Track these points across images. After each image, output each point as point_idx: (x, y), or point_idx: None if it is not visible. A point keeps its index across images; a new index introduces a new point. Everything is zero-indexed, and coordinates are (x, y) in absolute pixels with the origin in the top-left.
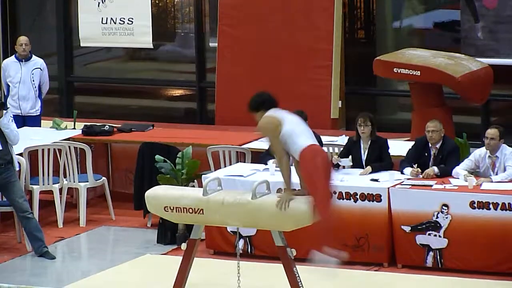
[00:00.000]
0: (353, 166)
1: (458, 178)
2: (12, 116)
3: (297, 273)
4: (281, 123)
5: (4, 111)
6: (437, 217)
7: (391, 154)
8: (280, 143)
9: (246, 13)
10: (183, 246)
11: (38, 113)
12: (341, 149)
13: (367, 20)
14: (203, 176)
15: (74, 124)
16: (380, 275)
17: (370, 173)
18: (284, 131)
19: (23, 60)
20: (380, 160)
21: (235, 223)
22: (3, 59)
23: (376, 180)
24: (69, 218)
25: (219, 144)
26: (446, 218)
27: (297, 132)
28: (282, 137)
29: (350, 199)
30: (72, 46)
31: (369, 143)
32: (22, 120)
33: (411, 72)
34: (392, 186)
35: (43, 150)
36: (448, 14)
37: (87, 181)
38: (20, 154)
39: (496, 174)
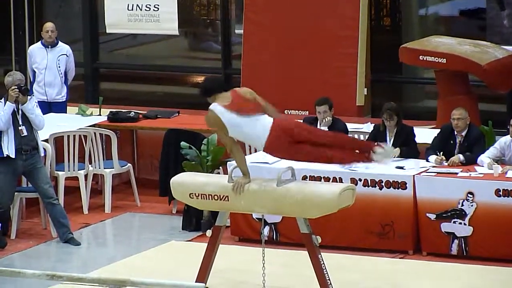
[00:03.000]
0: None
1: (483, 166)
2: (37, 102)
3: (322, 260)
4: (219, 121)
5: (29, 97)
6: (462, 205)
7: (417, 142)
8: (225, 135)
9: (272, 0)
10: (208, 233)
11: (64, 100)
12: (367, 136)
13: (393, 7)
14: (228, 163)
15: (100, 110)
16: (405, 262)
17: (398, 157)
18: (229, 130)
19: (49, 46)
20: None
21: (260, 210)
22: (29, 45)
23: (402, 168)
24: (94, 204)
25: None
26: (471, 206)
27: (243, 131)
28: (231, 134)
29: (375, 187)
30: (98, 32)
31: (395, 131)
32: (48, 106)
33: (437, 59)
34: (417, 174)
35: (68, 136)
36: (473, 2)
37: (113, 168)
38: (46, 140)
39: None
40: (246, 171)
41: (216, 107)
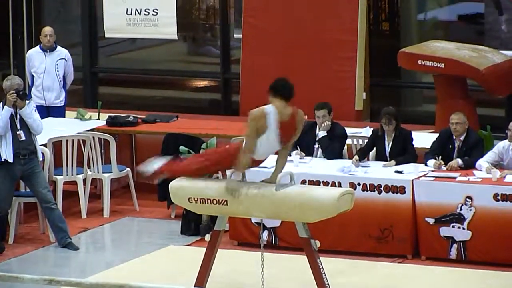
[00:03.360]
0: (377, 159)
1: (481, 171)
2: (35, 106)
3: (321, 264)
4: (264, 124)
5: (27, 101)
6: (461, 209)
7: (415, 146)
8: (254, 136)
9: (270, 5)
10: (207, 237)
11: (63, 104)
12: (365, 141)
13: (392, 12)
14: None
15: (99, 114)
16: (403, 267)
17: (394, 165)
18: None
19: (48, 50)
20: (404, 153)
21: (259, 215)
22: (28, 49)
23: (400, 172)
24: (92, 209)
25: (243, 135)
26: (470, 210)
27: (262, 147)
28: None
29: (374, 191)
30: (96, 37)
31: (393, 135)
32: (47, 111)
33: (435, 64)
34: (416, 178)
35: (67, 140)
36: (472, 7)
37: (111, 172)
38: (44, 145)
39: None
40: (244, 175)
41: (272, 111)
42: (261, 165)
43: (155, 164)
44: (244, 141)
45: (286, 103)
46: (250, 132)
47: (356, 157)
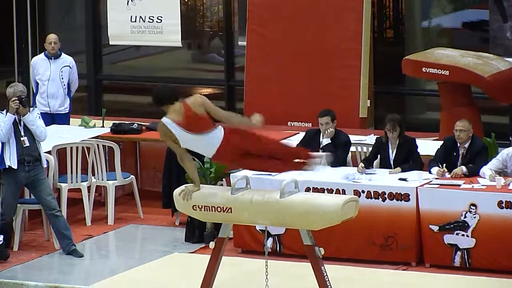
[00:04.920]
0: (381, 166)
1: (485, 178)
2: (39, 113)
3: (325, 272)
4: (171, 135)
5: (31, 108)
6: (465, 217)
7: (420, 154)
8: (176, 146)
9: (275, 12)
10: (211, 244)
11: (67, 111)
12: (370, 148)
13: (396, 19)
14: (231, 175)
15: (103, 122)
16: (408, 274)
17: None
18: (181, 142)
19: (52, 57)
20: (408, 160)
21: (263, 222)
22: (32, 57)
23: (405, 180)
24: (97, 216)
25: None
26: (474, 217)
27: (194, 146)
28: (183, 146)
29: (378, 198)
30: (101, 44)
31: (397, 143)
32: (51, 118)
33: (439, 71)
34: (420, 186)
35: (71, 148)
36: (476, 14)
37: (116, 179)
38: (49, 152)
39: None
40: (196, 179)
41: (168, 122)
42: (266, 172)
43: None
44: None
45: (174, 104)
46: (172, 147)
47: (361, 164)
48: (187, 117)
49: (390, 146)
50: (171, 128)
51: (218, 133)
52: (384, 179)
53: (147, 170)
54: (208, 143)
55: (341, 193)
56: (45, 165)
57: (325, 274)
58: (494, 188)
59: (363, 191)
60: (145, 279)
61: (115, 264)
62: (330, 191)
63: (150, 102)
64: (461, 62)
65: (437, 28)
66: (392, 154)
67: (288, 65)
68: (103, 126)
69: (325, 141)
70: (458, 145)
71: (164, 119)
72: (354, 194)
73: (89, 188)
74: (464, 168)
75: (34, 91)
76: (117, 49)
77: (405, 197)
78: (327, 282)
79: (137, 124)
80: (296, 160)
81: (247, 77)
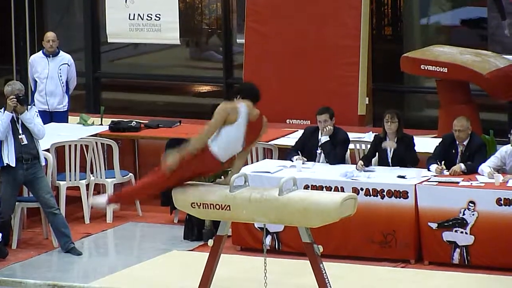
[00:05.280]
0: (379, 164)
1: (483, 175)
2: (37, 111)
3: (324, 269)
4: (236, 116)
5: (29, 107)
6: (463, 214)
7: (418, 151)
8: (217, 128)
9: (273, 10)
10: (210, 242)
11: (66, 109)
12: (368, 146)
13: (395, 17)
14: (229, 172)
15: (101, 120)
16: (406, 271)
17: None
18: (228, 126)
19: (51, 55)
20: (406, 158)
21: (262, 220)
22: (31, 55)
23: (403, 177)
24: (95, 214)
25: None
26: (473, 215)
27: (227, 141)
28: (223, 128)
29: (377, 196)
30: (99, 42)
31: (395, 140)
32: (50, 116)
33: (438, 69)
34: (419, 183)
35: (70, 146)
36: (475, 11)
37: (114, 177)
38: (47, 150)
39: None
40: (247, 180)
41: (245, 108)
42: (265, 170)
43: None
44: (205, 128)
45: (253, 105)
46: (214, 120)
47: (361, 162)
48: (255, 126)
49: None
50: (241, 113)
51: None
52: (383, 176)
53: (145, 168)
54: (232, 149)
55: (339, 190)
56: (43, 163)
57: (323, 272)
58: (493, 186)
59: (361, 189)
60: (143, 277)
61: (114, 262)
62: (329, 188)
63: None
64: (459, 60)
65: (435, 26)
66: (390, 152)
67: (286, 63)
68: (101, 124)
69: (323, 138)
70: (457, 142)
71: (242, 105)
72: (352, 192)
73: (87, 186)
74: (462, 166)
75: (33, 89)
76: (116, 47)
77: (404, 194)
78: (326, 279)
79: (136, 122)
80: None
81: (245, 75)
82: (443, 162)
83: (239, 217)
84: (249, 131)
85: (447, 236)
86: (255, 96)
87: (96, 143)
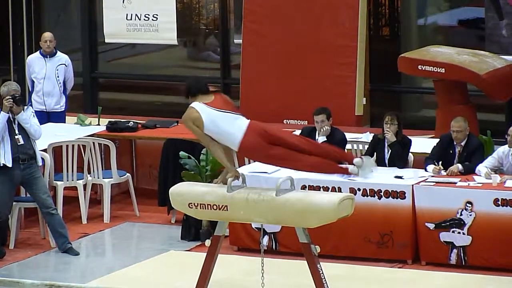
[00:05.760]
0: (377, 164)
1: (480, 176)
2: (34, 111)
3: (321, 269)
4: (198, 116)
5: (25, 107)
6: (461, 215)
7: (415, 152)
8: (204, 135)
9: (271, 10)
10: (207, 242)
11: (63, 109)
12: (366, 146)
13: (392, 17)
14: (223, 172)
15: (99, 120)
16: (404, 272)
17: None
18: (206, 126)
19: (48, 56)
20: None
21: (259, 220)
22: (28, 55)
23: (400, 177)
24: (93, 214)
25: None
26: (470, 215)
27: (219, 125)
28: (207, 131)
29: (374, 196)
30: (96, 42)
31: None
32: (47, 116)
33: (435, 69)
34: (416, 183)
35: (67, 146)
36: (472, 12)
37: (111, 177)
38: (45, 150)
39: None
40: (227, 165)
41: (196, 104)
42: (262, 170)
43: None
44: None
45: (207, 94)
46: (197, 135)
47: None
48: (217, 98)
49: (386, 145)
50: (198, 109)
51: (243, 121)
52: (380, 177)
53: (143, 168)
54: (234, 126)
55: (337, 191)
56: (40, 163)
57: (321, 272)
58: (490, 186)
59: (359, 189)
60: (141, 277)
61: (111, 262)
62: (326, 189)
63: (143, 99)
64: (457, 60)
65: (433, 26)
66: (387, 154)
67: (283, 63)
68: (99, 124)
69: (320, 139)
70: (455, 142)
71: (193, 103)
72: (350, 192)
73: (85, 186)
74: (460, 166)
75: (30, 89)
76: (113, 47)
77: (401, 194)
78: (323, 279)
79: (133, 122)
80: (341, 165)
81: (242, 75)
82: (440, 163)
83: (236, 218)
84: (218, 104)
85: (444, 236)
86: (202, 88)
87: (94, 143)
